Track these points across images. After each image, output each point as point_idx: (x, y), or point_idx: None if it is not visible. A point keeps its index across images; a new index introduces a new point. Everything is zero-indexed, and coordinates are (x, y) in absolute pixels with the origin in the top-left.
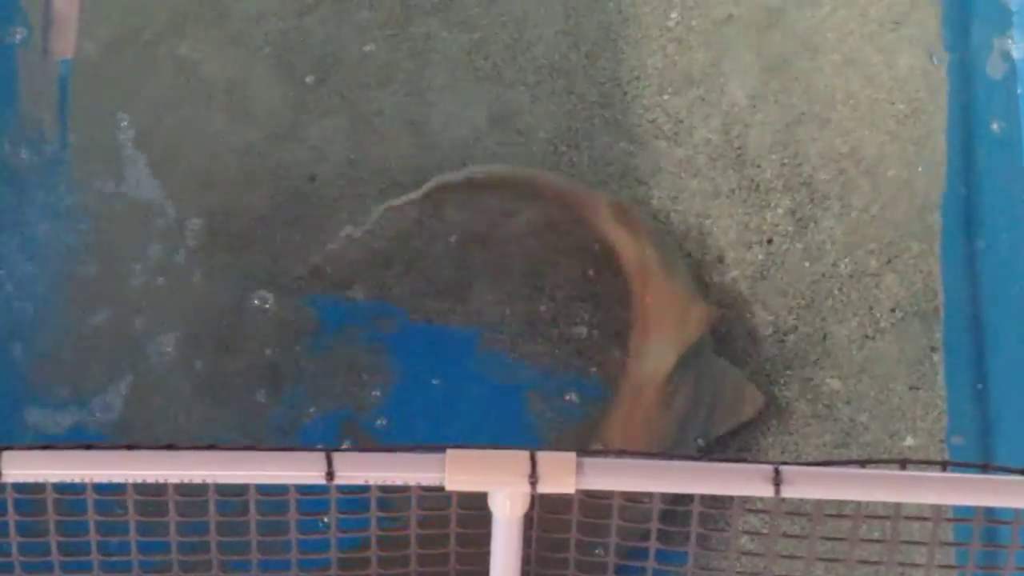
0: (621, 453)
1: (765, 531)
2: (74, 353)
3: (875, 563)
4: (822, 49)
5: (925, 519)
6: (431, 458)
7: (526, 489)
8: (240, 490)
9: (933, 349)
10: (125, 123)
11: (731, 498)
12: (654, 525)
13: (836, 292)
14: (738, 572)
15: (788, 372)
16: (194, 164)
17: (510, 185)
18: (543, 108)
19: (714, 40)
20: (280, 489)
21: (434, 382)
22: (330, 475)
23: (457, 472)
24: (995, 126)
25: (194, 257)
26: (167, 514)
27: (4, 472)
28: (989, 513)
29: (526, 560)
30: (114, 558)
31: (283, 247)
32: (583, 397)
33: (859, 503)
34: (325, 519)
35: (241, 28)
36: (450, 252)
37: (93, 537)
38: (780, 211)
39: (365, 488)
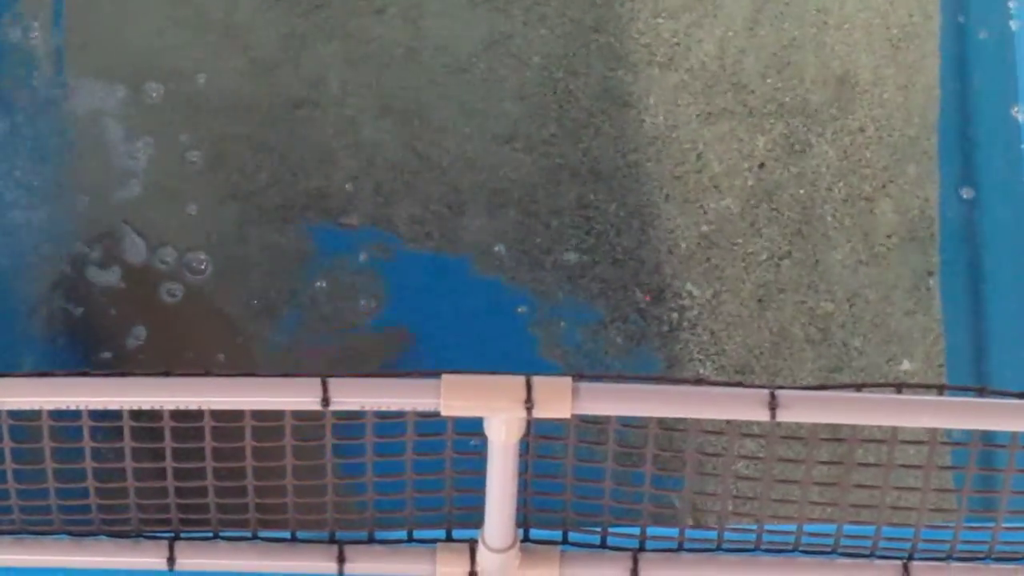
0: (618, 377)
1: (761, 455)
2: (62, 281)
3: (871, 487)
4: None
5: (922, 443)
6: (426, 383)
7: (522, 414)
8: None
9: (929, 273)
10: (119, 48)
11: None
12: (649, 449)
13: (830, 217)
14: (734, 496)
15: (782, 296)
16: (189, 89)
17: None
18: (537, 33)
19: None
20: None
21: (429, 308)
22: (325, 401)
23: (452, 397)
24: (989, 49)
25: (187, 182)
26: (162, 441)
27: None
28: (986, 437)
29: (522, 485)
30: (109, 485)
31: (277, 173)
32: (577, 322)
33: (855, 427)
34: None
35: None
36: (444, 178)
37: (88, 464)
38: (774, 135)
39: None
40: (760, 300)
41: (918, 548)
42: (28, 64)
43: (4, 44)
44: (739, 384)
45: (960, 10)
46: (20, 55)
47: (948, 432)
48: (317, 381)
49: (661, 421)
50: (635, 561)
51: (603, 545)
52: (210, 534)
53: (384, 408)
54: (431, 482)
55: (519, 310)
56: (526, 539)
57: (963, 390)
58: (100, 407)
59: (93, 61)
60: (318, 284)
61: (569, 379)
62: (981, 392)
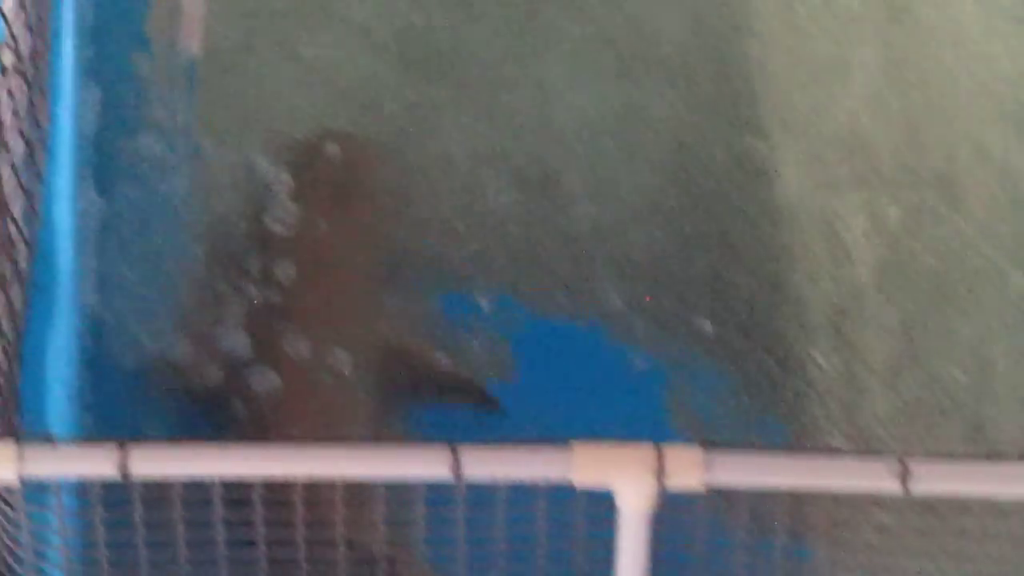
0: (748, 447)
1: (893, 526)
2: (188, 353)
3: (1004, 561)
4: (946, 43)
5: None
6: (557, 453)
7: (653, 484)
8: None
9: None
10: (253, 116)
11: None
12: (780, 518)
13: (961, 288)
14: (863, 567)
15: (914, 366)
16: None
17: None
18: (668, 103)
19: (839, 34)
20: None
21: (559, 377)
22: (457, 470)
23: (584, 466)
24: None
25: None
26: (294, 511)
27: (132, 470)
28: None
29: (653, 554)
30: (239, 554)
31: (408, 241)
32: (709, 390)
33: (985, 497)
34: None
35: (366, 24)
36: (575, 247)
37: (219, 534)
38: (905, 205)
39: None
40: (891, 370)
41: None
42: (164, 133)
43: (141, 114)
44: (870, 454)
45: None
46: (157, 124)
47: None
48: (447, 450)
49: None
50: None
51: None
52: None
53: (514, 477)
54: (561, 551)
55: (650, 378)
56: None
57: None
58: (231, 476)
59: (227, 129)
60: (445, 354)
61: (700, 448)
62: None
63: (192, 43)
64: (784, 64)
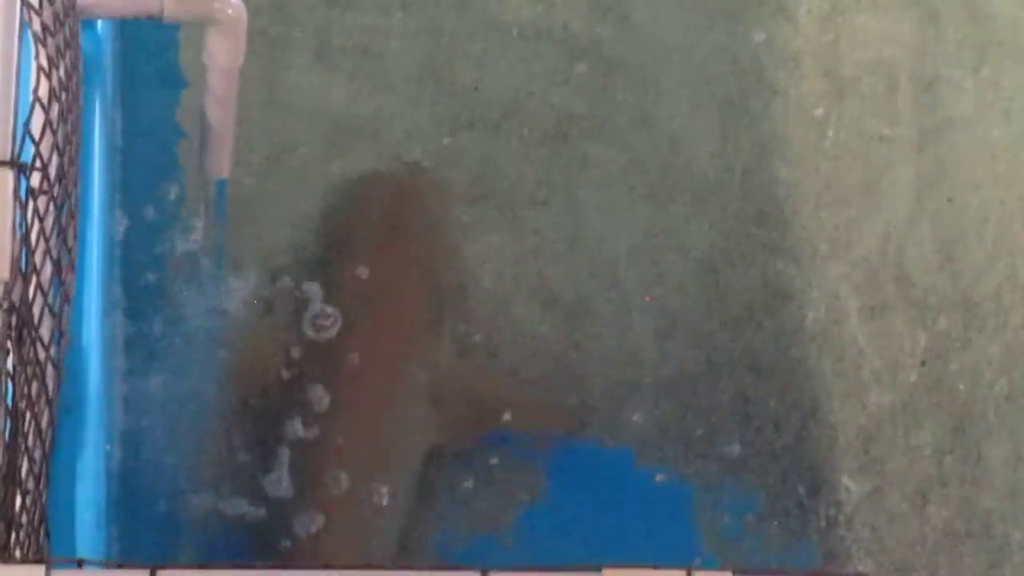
0: (777, 572)
1: None
2: (219, 476)
3: None
4: (978, 167)
5: None
6: None
7: None
8: None
9: None
10: (283, 239)
11: None
12: None
13: (991, 414)
14: None
15: (943, 491)
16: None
17: None
18: (698, 227)
19: (869, 157)
20: None
21: (589, 501)
22: None
23: None
24: None
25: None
26: None
27: None
28: None
29: None
30: None
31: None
32: (738, 514)
33: None
34: None
35: (397, 146)
36: (605, 371)
37: None
38: (936, 331)
39: None
40: (920, 494)
41: None
42: (195, 256)
43: (171, 237)
44: None
45: None
46: (187, 247)
47: None
48: (478, 575)
49: None
50: None
51: None
52: None
53: None
54: None
55: (679, 503)
56: None
57: None
58: None
59: (258, 252)
60: (474, 478)
61: (731, 574)
62: None
63: (222, 166)
64: (814, 187)
